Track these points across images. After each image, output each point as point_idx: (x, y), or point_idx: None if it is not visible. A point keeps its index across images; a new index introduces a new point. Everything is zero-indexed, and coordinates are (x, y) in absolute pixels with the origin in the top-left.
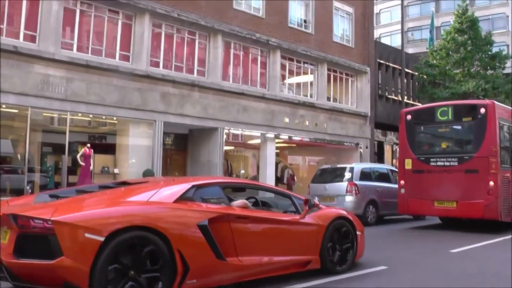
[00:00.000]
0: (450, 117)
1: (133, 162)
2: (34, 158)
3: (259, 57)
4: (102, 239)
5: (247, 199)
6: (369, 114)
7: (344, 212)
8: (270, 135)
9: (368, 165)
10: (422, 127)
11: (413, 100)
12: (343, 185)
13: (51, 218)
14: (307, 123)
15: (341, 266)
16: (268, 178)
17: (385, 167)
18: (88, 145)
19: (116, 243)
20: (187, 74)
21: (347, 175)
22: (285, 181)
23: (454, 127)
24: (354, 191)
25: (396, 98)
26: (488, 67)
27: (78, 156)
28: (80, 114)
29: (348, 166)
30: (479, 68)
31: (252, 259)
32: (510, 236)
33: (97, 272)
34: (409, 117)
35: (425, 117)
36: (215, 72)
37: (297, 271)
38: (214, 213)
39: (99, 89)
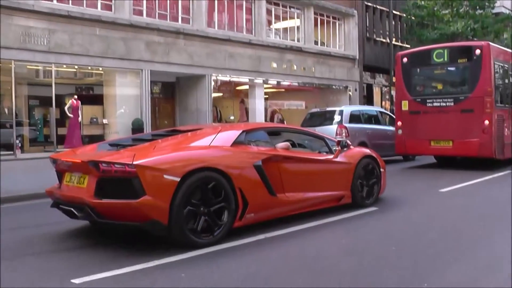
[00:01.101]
0: (445, 59)
1: (121, 112)
2: (22, 111)
3: (244, 3)
4: (178, 179)
5: (285, 141)
6: (357, 57)
7: (369, 151)
8: (259, 80)
9: (357, 108)
10: (418, 70)
11: (401, 42)
12: (333, 128)
13: (134, 163)
14: (295, 67)
15: (368, 200)
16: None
17: (374, 109)
18: (75, 96)
19: (190, 182)
20: (172, 22)
21: (337, 118)
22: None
23: (450, 68)
24: (344, 134)
25: (384, 40)
26: (477, 7)
27: (66, 108)
28: (64, 66)
29: (337, 109)
30: (468, 8)
31: (296, 195)
32: (501, 173)
33: (175, 208)
34: (405, 60)
35: (421, 60)
36: (200, 19)
37: (331, 206)
38: (265, 154)
39: (83, 40)
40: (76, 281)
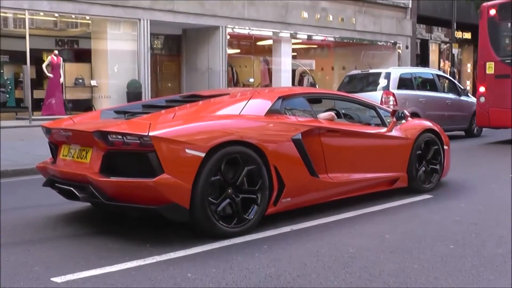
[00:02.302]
0: None
1: (114, 71)
2: None
3: None
4: (203, 154)
5: (326, 110)
6: (410, 6)
7: (431, 124)
8: (285, 34)
9: (409, 70)
10: (509, 24)
11: None
12: (377, 94)
13: (149, 134)
14: (331, 18)
15: (428, 184)
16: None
17: (430, 71)
18: (56, 52)
19: (216, 158)
20: None
21: (382, 82)
22: None
23: None
24: (391, 102)
25: None
26: None
27: (44, 65)
28: (42, 14)
29: (383, 71)
30: None
31: (341, 176)
32: None
33: (199, 189)
34: (492, 12)
35: None
36: None
37: (383, 190)
38: (306, 126)
39: None
40: (58, 279)
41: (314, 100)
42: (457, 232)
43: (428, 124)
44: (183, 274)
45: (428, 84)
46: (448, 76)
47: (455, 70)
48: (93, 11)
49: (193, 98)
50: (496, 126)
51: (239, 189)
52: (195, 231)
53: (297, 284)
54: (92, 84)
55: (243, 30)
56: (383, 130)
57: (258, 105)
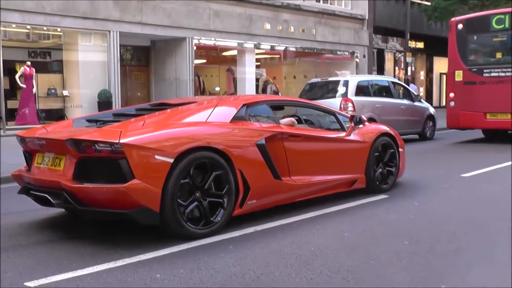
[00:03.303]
0: (507, 25)
1: (85, 81)
2: None
3: None
4: (171, 160)
5: (286, 116)
6: (366, 17)
7: (387, 128)
8: (249, 45)
9: (366, 78)
10: (475, 37)
11: None
12: (337, 101)
13: (120, 141)
14: (292, 29)
15: (385, 185)
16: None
17: (386, 79)
18: (28, 63)
19: (184, 164)
20: None
21: (341, 89)
22: None
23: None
24: (349, 108)
25: None
26: None
27: (17, 76)
28: (14, 25)
29: (342, 79)
30: None
31: (303, 178)
32: None
33: (168, 193)
34: (460, 26)
35: (479, 26)
36: None
37: (342, 191)
38: (269, 132)
39: None
40: (31, 284)
41: (277, 107)
42: (411, 229)
43: (384, 128)
44: (153, 275)
45: (384, 90)
46: (402, 83)
47: (408, 78)
48: (64, 23)
49: (162, 106)
50: (465, 127)
51: (206, 193)
52: (164, 233)
53: (260, 282)
54: (64, 94)
55: (209, 41)
56: (342, 134)
57: (224, 112)
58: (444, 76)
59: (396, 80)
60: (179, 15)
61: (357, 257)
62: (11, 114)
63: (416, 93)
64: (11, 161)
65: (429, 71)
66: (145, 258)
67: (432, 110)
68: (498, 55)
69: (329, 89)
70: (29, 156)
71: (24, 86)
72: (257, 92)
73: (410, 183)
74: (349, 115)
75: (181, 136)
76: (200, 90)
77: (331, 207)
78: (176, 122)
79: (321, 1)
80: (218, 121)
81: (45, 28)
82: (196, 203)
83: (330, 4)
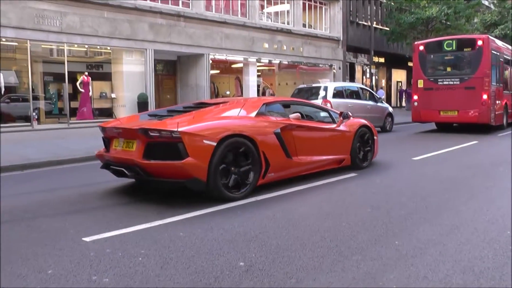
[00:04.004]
0: (454, 48)
1: (128, 87)
2: (38, 87)
3: None
4: (214, 143)
5: (293, 112)
6: (341, 38)
7: (366, 122)
8: (252, 59)
9: (341, 84)
10: (432, 56)
11: (381, 25)
12: (318, 102)
13: (178, 130)
14: (285, 48)
15: (364, 163)
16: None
17: (356, 85)
18: (86, 73)
19: (224, 146)
20: (173, 5)
21: (322, 93)
22: None
23: (457, 55)
24: (328, 107)
25: (366, 23)
26: None
27: (77, 83)
28: (76, 45)
29: (322, 85)
30: None
31: (306, 158)
32: (474, 142)
33: (212, 167)
34: (421, 48)
35: (434, 48)
36: (198, 3)
37: (334, 168)
38: (282, 123)
39: (92, 22)
40: (87, 239)
41: (286, 105)
42: (373, 200)
43: (363, 121)
44: (177, 233)
45: (354, 94)
46: (368, 88)
47: (373, 85)
48: (113, 44)
49: (202, 104)
50: (425, 121)
51: (239, 167)
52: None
53: (258, 239)
54: (112, 96)
55: (222, 56)
56: (333, 125)
57: (250, 109)
58: (400, 83)
59: (363, 86)
60: (198, 37)
61: (332, 221)
62: (74, 112)
63: (379, 97)
64: (74, 147)
65: (389, 79)
66: (172, 220)
67: (390, 109)
68: (448, 69)
69: (312, 92)
70: (108, 141)
71: (83, 90)
72: (258, 95)
73: (374, 164)
74: (339, 111)
75: (221, 126)
76: (215, 94)
77: (313, 182)
78: (217, 116)
79: (307, 27)
80: (246, 116)
81: (98, 47)
82: (232, 174)
83: (314, 29)
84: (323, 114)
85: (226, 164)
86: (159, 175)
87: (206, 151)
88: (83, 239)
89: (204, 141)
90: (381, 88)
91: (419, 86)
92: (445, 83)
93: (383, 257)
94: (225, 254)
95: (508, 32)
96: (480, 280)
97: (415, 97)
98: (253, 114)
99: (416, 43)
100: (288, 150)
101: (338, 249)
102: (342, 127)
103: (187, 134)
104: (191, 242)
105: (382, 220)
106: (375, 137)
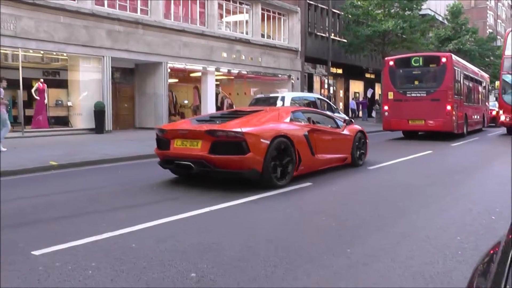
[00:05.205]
0: (421, 64)
1: (84, 95)
2: None
3: None
4: (268, 142)
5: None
6: (299, 49)
7: (361, 128)
8: (211, 68)
9: (298, 94)
10: (401, 70)
11: (339, 37)
12: None
13: (242, 131)
14: (243, 57)
15: (361, 161)
16: (209, 107)
17: (313, 95)
18: (42, 80)
19: (274, 144)
20: (131, 12)
21: (279, 103)
22: (224, 109)
23: (424, 70)
24: None
25: (324, 35)
26: (406, 8)
27: (32, 90)
28: (31, 51)
29: (280, 95)
30: (398, 9)
31: (323, 156)
32: (429, 152)
33: (266, 161)
34: (391, 63)
35: (403, 63)
36: (157, 11)
37: (339, 164)
38: (308, 127)
39: (48, 27)
40: (36, 252)
41: (304, 112)
42: (329, 208)
43: (360, 127)
44: (129, 244)
45: (311, 104)
46: (325, 99)
47: (331, 95)
48: (69, 50)
49: (237, 112)
50: (395, 129)
51: (283, 160)
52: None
53: (212, 249)
54: (68, 104)
55: (180, 65)
56: (339, 130)
57: (284, 116)
58: (357, 94)
59: (321, 97)
60: (157, 45)
61: (286, 230)
62: (28, 120)
63: (335, 106)
64: (27, 157)
65: (346, 90)
66: (122, 232)
67: (347, 119)
68: (416, 82)
69: (270, 102)
70: (167, 141)
71: (38, 98)
72: (216, 104)
73: (331, 172)
74: (344, 119)
75: (271, 129)
76: (173, 102)
77: (271, 191)
78: (262, 121)
79: (265, 37)
80: (283, 121)
81: (54, 53)
82: (278, 167)
83: (272, 39)
84: (327, 120)
85: (275, 158)
86: (224, 167)
87: (262, 148)
88: (32, 252)
89: (261, 140)
90: (353, 99)
91: (389, 97)
92: (413, 95)
93: (335, 265)
94: (176, 265)
95: (461, 46)
96: (429, 285)
97: (386, 107)
98: (287, 119)
99: (386, 58)
100: (313, 149)
101: (290, 258)
102: (345, 131)
103: (249, 134)
104: (143, 253)
105: (335, 228)
106: (367, 140)
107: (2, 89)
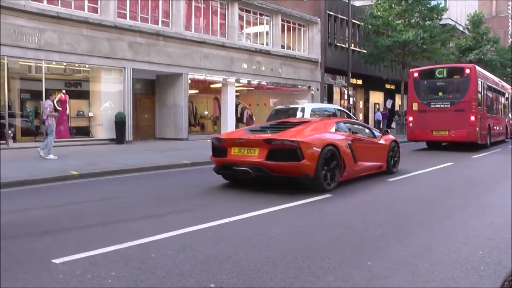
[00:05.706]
0: (445, 75)
1: (106, 106)
2: (15, 104)
3: (218, 9)
4: (319, 150)
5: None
6: (319, 60)
7: (395, 137)
8: (231, 79)
9: (318, 105)
10: (425, 81)
11: (359, 48)
12: None
13: (298, 140)
14: (263, 68)
15: (394, 169)
16: (229, 118)
17: (333, 107)
18: (64, 91)
19: (323, 152)
20: (153, 24)
21: (299, 114)
22: (244, 120)
23: (448, 81)
24: None
25: (343, 45)
26: (427, 18)
27: (55, 101)
28: (54, 63)
29: (299, 106)
30: (418, 19)
31: (363, 163)
32: (450, 164)
33: (318, 167)
34: (415, 74)
35: (427, 75)
36: (178, 23)
37: (376, 172)
38: (351, 137)
39: (71, 39)
40: (56, 261)
41: (344, 123)
42: (349, 220)
43: (393, 137)
44: (149, 254)
45: (331, 115)
46: (345, 110)
47: (350, 106)
48: (91, 62)
49: (285, 123)
50: (419, 140)
51: (331, 166)
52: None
53: (231, 260)
54: (90, 115)
55: (200, 76)
56: (376, 139)
57: (330, 127)
58: (377, 105)
59: (341, 108)
60: (177, 56)
61: (306, 242)
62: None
63: (355, 118)
64: (48, 166)
65: (366, 101)
66: (142, 242)
67: (384, 129)
68: (440, 93)
69: (290, 113)
70: (224, 149)
71: (60, 108)
72: (236, 115)
73: (350, 184)
74: (380, 129)
75: (322, 138)
76: (193, 113)
77: (289, 203)
78: (311, 131)
79: (285, 48)
80: (330, 131)
81: (76, 65)
82: (327, 172)
83: (292, 50)
84: (363, 131)
85: (324, 164)
86: (279, 172)
87: (314, 155)
88: (53, 261)
89: (314, 148)
90: (378, 110)
91: (414, 108)
92: (437, 106)
93: (355, 278)
94: (195, 276)
95: (482, 57)
96: None
97: (410, 118)
98: (333, 129)
99: (411, 70)
100: (355, 157)
101: (311, 269)
102: (382, 141)
103: (304, 143)
104: (162, 263)
105: (356, 240)
106: (400, 150)
107: (52, 102)
